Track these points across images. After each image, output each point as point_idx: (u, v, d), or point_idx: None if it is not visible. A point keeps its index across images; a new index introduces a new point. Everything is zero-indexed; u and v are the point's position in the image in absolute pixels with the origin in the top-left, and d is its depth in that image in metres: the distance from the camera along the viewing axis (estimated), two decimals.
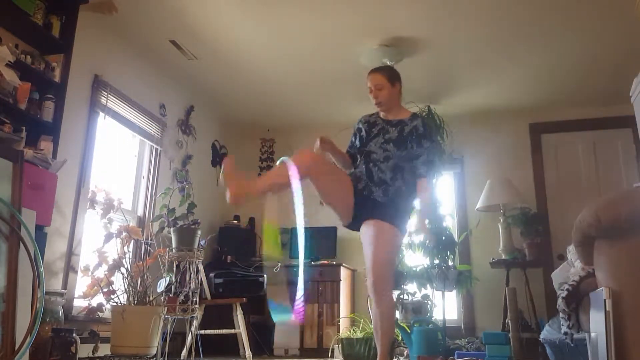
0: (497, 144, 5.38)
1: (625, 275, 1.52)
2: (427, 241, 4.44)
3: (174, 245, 3.58)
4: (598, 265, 1.65)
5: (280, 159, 2.47)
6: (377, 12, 3.80)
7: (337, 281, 4.82)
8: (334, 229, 5.09)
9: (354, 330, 4.25)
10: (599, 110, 5.15)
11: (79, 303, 3.49)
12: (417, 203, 2.73)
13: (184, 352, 3.74)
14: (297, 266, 2.59)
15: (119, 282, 3.45)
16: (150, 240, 4.00)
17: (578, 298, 1.86)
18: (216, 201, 5.31)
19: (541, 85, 4.88)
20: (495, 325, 4.51)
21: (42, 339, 2.77)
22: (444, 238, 4.50)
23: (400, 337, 4.10)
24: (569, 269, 2.95)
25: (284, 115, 5.64)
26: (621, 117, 4.81)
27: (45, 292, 2.68)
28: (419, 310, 4.30)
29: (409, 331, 3.93)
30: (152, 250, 3.85)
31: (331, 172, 2.65)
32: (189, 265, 3.55)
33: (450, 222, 4.89)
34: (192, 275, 3.53)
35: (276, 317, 2.23)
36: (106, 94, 3.90)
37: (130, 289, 3.38)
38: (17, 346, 2.30)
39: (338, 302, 4.73)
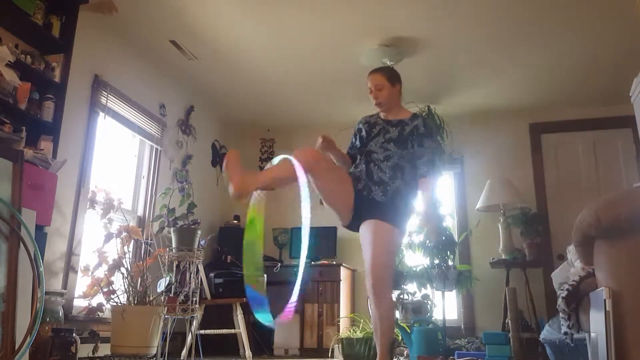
0: (497, 144, 5.38)
1: (625, 275, 1.52)
2: (428, 241, 4.44)
3: (174, 245, 3.58)
4: (598, 265, 1.65)
5: (279, 157, 2.45)
6: (377, 12, 3.80)
7: (337, 281, 4.82)
8: (334, 229, 5.09)
9: (354, 330, 4.26)
10: (599, 110, 5.15)
11: (79, 303, 3.49)
12: (419, 203, 2.73)
13: (184, 352, 3.74)
14: (296, 266, 2.54)
15: (119, 282, 3.45)
16: (150, 240, 4.00)
17: (578, 298, 1.86)
18: (216, 201, 5.31)
19: (541, 85, 4.88)
20: (495, 325, 4.51)
21: (42, 339, 2.77)
22: (444, 238, 4.50)
23: (400, 337, 4.10)
24: (569, 269, 2.95)
25: (284, 115, 5.64)
26: (621, 117, 4.81)
27: (45, 292, 2.68)
28: (419, 310, 4.30)
29: (409, 331, 3.93)
30: (152, 250, 3.85)
31: (332, 170, 2.64)
32: (189, 265, 3.56)
33: (450, 222, 4.89)
34: (192, 275, 3.53)
35: (259, 315, 2.13)
36: (106, 94, 3.90)
37: (130, 289, 3.38)
38: (17, 346, 2.30)
39: (338, 302, 4.73)
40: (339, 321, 4.61)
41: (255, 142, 5.99)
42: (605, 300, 1.50)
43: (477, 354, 3.81)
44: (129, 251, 3.56)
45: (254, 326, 4.52)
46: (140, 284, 3.42)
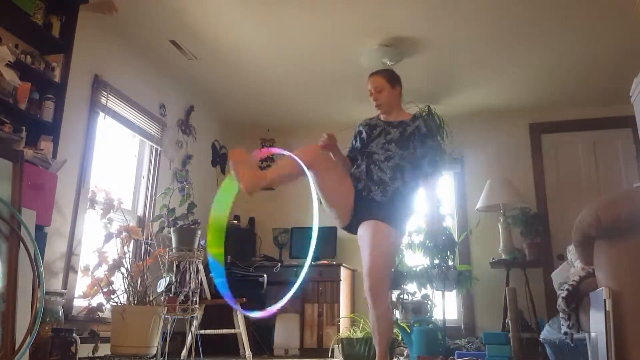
0: (497, 144, 5.38)
1: (625, 275, 1.52)
2: (427, 241, 4.44)
3: (174, 245, 3.58)
4: (598, 265, 1.65)
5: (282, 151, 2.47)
6: (377, 12, 3.80)
7: (337, 281, 4.82)
8: (334, 229, 5.08)
9: (354, 330, 4.26)
10: (599, 110, 5.15)
11: (79, 303, 3.49)
12: (422, 203, 2.73)
13: (184, 352, 3.74)
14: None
15: (119, 282, 3.45)
16: (150, 240, 4.00)
17: (578, 298, 1.86)
18: None
19: (541, 85, 4.88)
20: (495, 325, 4.51)
21: (42, 339, 2.77)
22: (444, 238, 4.50)
23: (400, 337, 4.10)
24: (569, 269, 2.95)
25: (284, 115, 5.64)
26: (621, 117, 4.81)
27: (45, 292, 2.68)
28: (419, 310, 4.30)
29: (409, 331, 3.93)
30: (152, 250, 3.85)
31: (334, 169, 2.64)
32: (189, 265, 3.56)
33: (450, 222, 4.89)
34: (192, 275, 3.53)
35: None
36: (106, 94, 3.90)
37: (130, 289, 3.38)
38: (17, 346, 2.30)
39: (338, 302, 4.73)
40: (339, 321, 4.61)
41: (255, 142, 5.99)
42: (605, 300, 1.50)
43: (477, 354, 3.81)
44: (129, 251, 3.56)
45: (254, 326, 4.53)
46: (140, 284, 3.42)
